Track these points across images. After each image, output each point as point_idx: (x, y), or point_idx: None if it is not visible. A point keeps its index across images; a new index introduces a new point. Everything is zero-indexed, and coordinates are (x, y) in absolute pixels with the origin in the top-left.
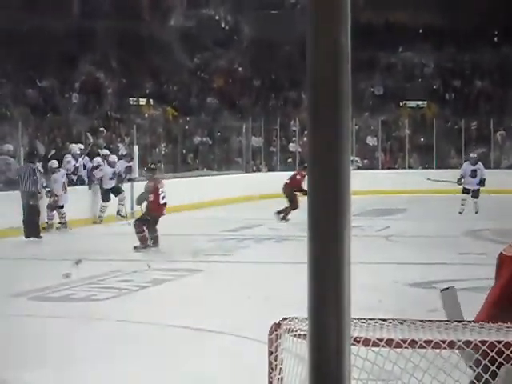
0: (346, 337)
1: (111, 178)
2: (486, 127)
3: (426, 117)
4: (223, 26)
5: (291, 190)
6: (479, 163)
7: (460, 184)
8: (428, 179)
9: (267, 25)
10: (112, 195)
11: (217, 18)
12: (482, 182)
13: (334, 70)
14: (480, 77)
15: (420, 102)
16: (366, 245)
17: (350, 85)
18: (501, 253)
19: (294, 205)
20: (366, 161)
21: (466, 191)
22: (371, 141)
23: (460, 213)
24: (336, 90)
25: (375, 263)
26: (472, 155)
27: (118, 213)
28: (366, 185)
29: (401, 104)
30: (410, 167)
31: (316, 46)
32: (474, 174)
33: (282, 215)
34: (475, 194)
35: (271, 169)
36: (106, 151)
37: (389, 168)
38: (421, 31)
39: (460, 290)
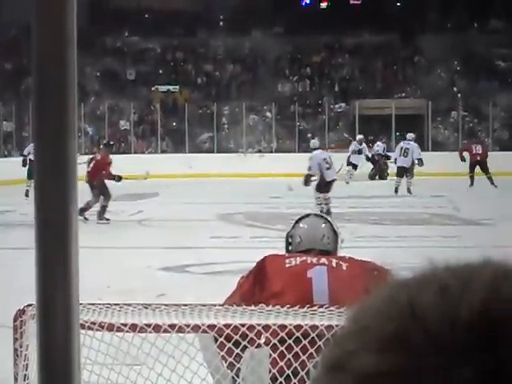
0: (74, 323)
1: None
2: (239, 112)
3: (177, 101)
4: None
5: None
6: (363, 143)
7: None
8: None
9: None
10: None
11: None
12: (367, 158)
13: (58, 55)
14: (232, 61)
15: (171, 87)
16: (118, 229)
17: (76, 69)
18: (270, 258)
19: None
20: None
21: (354, 167)
22: (124, 125)
23: (347, 182)
24: (60, 75)
25: (128, 248)
26: (359, 137)
27: None
28: (119, 169)
29: (153, 88)
30: (163, 151)
31: (39, 29)
32: (360, 151)
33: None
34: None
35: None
36: None
37: (141, 152)
38: (146, 16)
39: (212, 273)
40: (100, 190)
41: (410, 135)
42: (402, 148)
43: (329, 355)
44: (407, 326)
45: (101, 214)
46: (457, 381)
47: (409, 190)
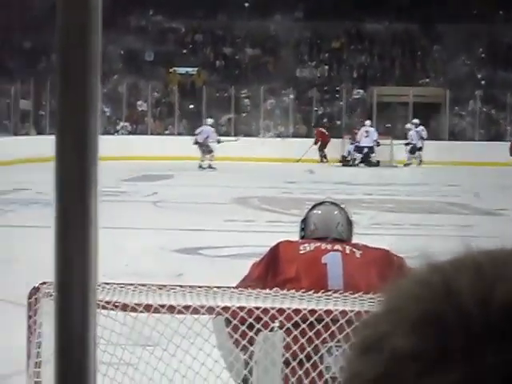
0: (91, 300)
1: None
2: (257, 95)
3: (195, 83)
4: None
5: None
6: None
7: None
8: None
9: None
10: None
11: None
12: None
13: (83, 31)
14: (251, 45)
15: (190, 69)
16: (133, 210)
17: (100, 47)
18: (284, 244)
19: None
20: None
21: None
22: (141, 106)
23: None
24: (85, 51)
25: (142, 228)
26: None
27: None
28: (134, 150)
29: (171, 70)
30: (180, 133)
31: (65, 6)
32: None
33: None
34: None
35: (40, 132)
36: None
37: (158, 134)
38: None
39: (225, 256)
40: None
41: (368, 122)
42: (366, 131)
43: (362, 337)
44: (441, 307)
45: None
46: (484, 366)
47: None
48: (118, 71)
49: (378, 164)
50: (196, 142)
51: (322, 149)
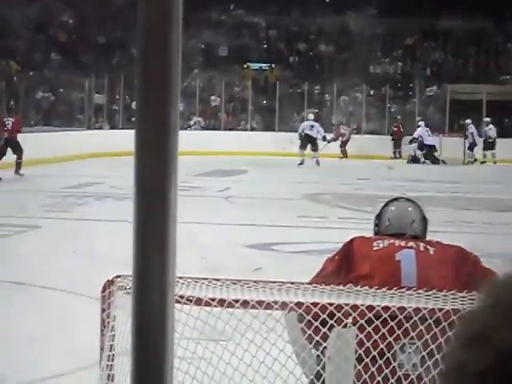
0: (169, 295)
1: None
2: (329, 91)
3: (269, 79)
4: None
5: None
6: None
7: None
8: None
9: None
10: None
11: None
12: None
13: (164, 26)
14: (325, 41)
15: (263, 65)
16: (205, 205)
17: (181, 41)
18: (358, 240)
19: None
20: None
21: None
22: (215, 101)
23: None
24: (165, 47)
25: (214, 224)
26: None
27: None
28: (207, 145)
29: (244, 66)
30: (253, 129)
31: (146, 0)
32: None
33: None
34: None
35: (113, 126)
36: None
37: (231, 129)
38: None
39: (298, 252)
40: None
41: (423, 123)
42: (427, 130)
43: (467, 329)
44: None
45: None
46: None
47: (444, 162)
48: (197, 66)
49: (440, 162)
50: (305, 136)
51: (342, 145)
